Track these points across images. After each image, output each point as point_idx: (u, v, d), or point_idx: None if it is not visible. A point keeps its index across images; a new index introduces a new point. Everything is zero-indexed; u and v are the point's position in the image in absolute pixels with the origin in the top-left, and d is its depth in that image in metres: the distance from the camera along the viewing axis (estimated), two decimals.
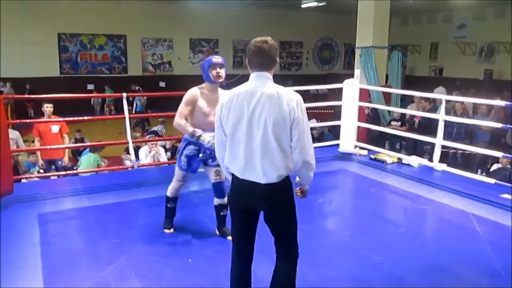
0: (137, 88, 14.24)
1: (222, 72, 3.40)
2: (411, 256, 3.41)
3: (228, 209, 2.49)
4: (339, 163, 5.99)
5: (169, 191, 3.70)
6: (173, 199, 3.72)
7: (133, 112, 12.57)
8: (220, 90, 3.53)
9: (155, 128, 9.07)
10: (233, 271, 2.47)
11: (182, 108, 3.42)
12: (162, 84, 16.01)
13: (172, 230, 3.74)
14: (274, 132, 2.20)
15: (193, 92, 3.44)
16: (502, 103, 5.23)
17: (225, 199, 3.51)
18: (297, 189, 2.50)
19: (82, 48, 15.66)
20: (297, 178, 2.44)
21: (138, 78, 15.84)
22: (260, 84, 2.26)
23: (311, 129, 7.97)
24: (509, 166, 6.41)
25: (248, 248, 2.43)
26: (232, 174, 2.38)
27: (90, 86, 14.97)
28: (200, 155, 3.50)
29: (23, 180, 5.74)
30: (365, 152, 6.22)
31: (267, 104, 2.20)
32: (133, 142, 5.64)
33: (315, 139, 8.02)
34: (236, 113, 2.26)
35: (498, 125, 5.68)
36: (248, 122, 2.23)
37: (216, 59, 3.43)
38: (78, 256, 3.34)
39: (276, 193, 2.29)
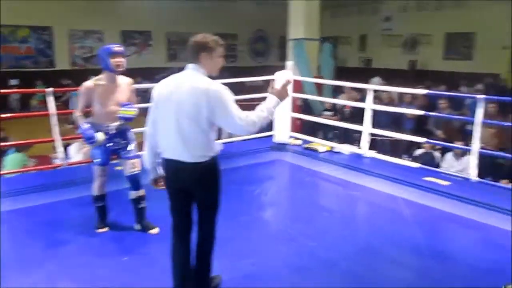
0: (69, 82, 13.50)
1: (123, 61, 3.41)
2: (345, 240, 3.56)
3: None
4: (274, 154, 6.09)
5: (94, 189, 3.62)
6: (100, 197, 3.63)
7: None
8: (120, 77, 3.53)
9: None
10: (173, 246, 2.62)
11: (79, 101, 3.48)
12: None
13: (105, 229, 3.64)
14: (198, 118, 2.38)
15: (87, 84, 3.43)
16: (424, 91, 5.57)
17: (142, 190, 3.61)
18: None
19: (3, 40, 14.62)
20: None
21: (67, 72, 15.08)
22: (190, 74, 2.47)
23: None
24: (431, 150, 6.85)
25: (186, 223, 2.61)
26: (163, 158, 2.56)
27: (14, 81, 14.01)
28: (107, 145, 3.51)
29: None
30: (299, 142, 6.37)
31: (192, 93, 2.38)
32: (62, 139, 5.38)
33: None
34: (165, 99, 2.46)
35: (421, 112, 6.05)
36: (175, 108, 2.41)
37: (117, 47, 3.42)
38: (4, 262, 3.14)
39: (201, 172, 2.49)
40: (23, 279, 2.91)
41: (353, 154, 5.83)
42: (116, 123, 3.51)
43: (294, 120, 6.63)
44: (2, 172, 5.82)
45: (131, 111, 3.49)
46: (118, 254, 3.27)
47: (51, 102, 5.16)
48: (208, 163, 2.49)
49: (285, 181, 5.52)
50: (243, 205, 4.24)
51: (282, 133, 6.34)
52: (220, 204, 2.63)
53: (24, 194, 4.40)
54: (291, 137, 6.43)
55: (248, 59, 20.38)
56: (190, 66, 2.50)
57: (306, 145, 6.16)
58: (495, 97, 6.40)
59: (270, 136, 6.50)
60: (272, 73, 6.41)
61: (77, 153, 6.61)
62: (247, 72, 8.20)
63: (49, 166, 5.93)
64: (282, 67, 7.00)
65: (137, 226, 3.66)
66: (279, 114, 6.31)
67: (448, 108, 7.29)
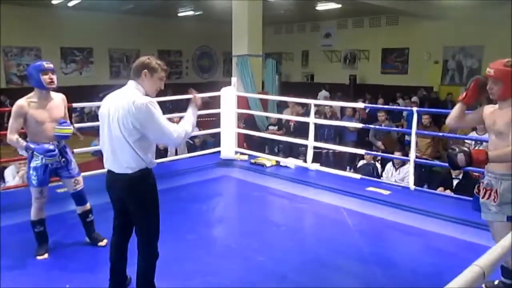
0: (7, 101, 12.75)
1: (54, 78, 3.39)
2: (292, 252, 3.62)
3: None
4: (221, 170, 6.09)
5: (33, 214, 3.47)
6: (39, 222, 3.48)
7: None
8: (52, 93, 3.49)
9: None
10: (111, 240, 2.83)
11: (12, 123, 3.30)
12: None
13: (46, 255, 3.46)
14: (126, 131, 2.50)
15: (20, 103, 3.31)
16: (362, 105, 5.82)
17: (87, 205, 3.63)
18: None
19: None
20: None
21: (2, 91, 14.32)
22: (127, 90, 2.62)
23: (194, 137, 7.95)
24: (372, 161, 7.13)
25: (121, 234, 2.79)
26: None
27: None
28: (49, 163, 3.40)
29: None
30: (245, 157, 6.42)
31: (121, 108, 2.50)
32: None
33: (197, 148, 8.06)
34: (104, 112, 2.61)
35: (359, 125, 6.31)
36: (109, 121, 2.55)
37: (48, 64, 3.38)
38: None
39: (131, 184, 2.58)
40: None
41: (298, 167, 5.95)
42: (55, 142, 3.41)
43: (240, 135, 6.69)
44: None
45: (67, 129, 3.43)
46: (61, 281, 3.11)
47: None
48: (137, 175, 2.57)
49: (233, 197, 5.53)
50: (190, 223, 4.21)
51: (229, 149, 6.37)
52: (158, 222, 2.66)
53: None
54: (237, 152, 6.47)
55: (194, 75, 20.34)
56: (129, 83, 2.64)
57: (253, 160, 6.22)
58: (430, 109, 6.80)
59: (217, 152, 6.50)
60: (218, 89, 6.46)
61: (13, 176, 6.28)
62: (193, 88, 8.15)
63: None
64: (228, 83, 7.06)
65: (87, 240, 3.63)
66: (225, 130, 6.35)
67: (387, 120, 7.64)
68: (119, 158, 2.56)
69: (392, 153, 6.34)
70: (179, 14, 15.76)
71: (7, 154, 7.25)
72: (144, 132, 2.50)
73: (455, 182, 5.68)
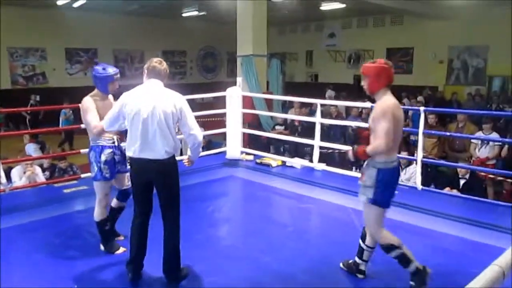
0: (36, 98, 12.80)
1: (117, 84, 3.56)
2: (299, 253, 3.60)
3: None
4: (227, 170, 6.09)
5: (98, 214, 3.46)
6: (106, 220, 3.50)
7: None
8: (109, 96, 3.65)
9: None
10: (133, 224, 3.08)
11: (91, 115, 3.38)
12: (37, 97, 14.69)
13: (121, 249, 3.51)
14: (166, 121, 2.88)
15: (89, 99, 3.45)
16: (369, 105, 5.79)
17: (125, 204, 3.68)
18: (185, 158, 3.22)
19: None
20: (188, 152, 3.16)
21: (8, 92, 14.41)
22: (154, 87, 2.98)
23: None
24: None
25: (147, 209, 3.08)
26: (129, 157, 2.99)
27: None
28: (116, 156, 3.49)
29: None
30: (251, 157, 6.42)
31: (160, 100, 2.89)
32: (3, 163, 5.12)
33: (203, 148, 8.05)
34: (134, 106, 2.89)
35: (366, 124, 6.26)
36: (144, 113, 2.86)
37: (117, 74, 3.51)
38: None
39: (166, 167, 2.96)
40: None
41: (304, 167, 5.94)
42: (117, 136, 3.53)
43: (246, 135, 6.68)
44: None
45: None
46: (68, 282, 3.12)
47: None
48: (170, 160, 2.98)
49: (239, 197, 5.53)
50: (197, 223, 4.20)
51: (234, 149, 6.37)
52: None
53: None
54: (243, 152, 6.47)
55: (198, 75, 20.39)
56: (155, 82, 2.99)
57: (259, 160, 6.22)
58: (436, 109, 6.77)
59: (223, 152, 6.50)
60: (222, 89, 6.46)
61: (20, 177, 6.30)
62: (196, 88, 8.20)
63: None
64: (232, 83, 7.07)
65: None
66: (231, 130, 6.35)
67: None
68: (157, 146, 2.89)
69: (399, 153, 6.30)
70: (183, 15, 15.80)
71: (13, 155, 7.29)
72: (183, 121, 2.95)
73: (462, 182, 5.66)
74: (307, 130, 7.95)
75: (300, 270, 3.33)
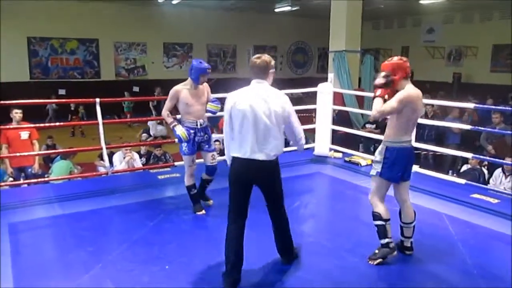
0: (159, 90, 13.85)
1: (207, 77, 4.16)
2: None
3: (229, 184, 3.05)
4: (314, 166, 6.04)
5: (187, 180, 4.18)
6: (193, 186, 4.20)
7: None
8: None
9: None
10: (230, 230, 2.99)
11: (167, 102, 4.11)
12: (135, 89, 15.81)
13: (203, 211, 4.20)
14: (276, 121, 2.93)
15: (176, 88, 4.08)
16: (472, 105, 5.39)
17: (212, 178, 4.31)
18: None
19: (53, 52, 15.28)
20: (296, 148, 3.40)
21: (111, 83, 15.61)
22: (259, 87, 2.98)
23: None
24: (478, 166, 6.59)
25: (245, 212, 3.03)
26: (235, 157, 2.99)
27: (62, 91, 14.61)
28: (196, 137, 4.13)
29: None
30: (339, 155, 6.29)
31: (268, 101, 2.91)
32: (107, 148, 5.55)
33: (288, 143, 8.05)
34: (242, 108, 2.91)
35: (468, 127, 5.84)
36: (253, 115, 2.88)
37: (209, 69, 4.09)
38: (50, 265, 3.26)
39: (273, 167, 3.04)
40: (68, 282, 2.99)
41: None
42: (201, 120, 4.13)
43: (335, 132, 6.56)
44: (50, 178, 6.06)
45: (217, 106, 4.20)
46: (161, 262, 3.30)
47: (98, 112, 5.32)
48: (276, 160, 3.06)
49: (325, 194, 5.45)
50: None
51: (323, 145, 6.29)
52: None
53: (71, 200, 4.56)
54: (331, 149, 6.36)
55: (288, 70, 20.41)
56: (261, 82, 3.00)
57: (348, 158, 6.07)
58: None
59: (311, 148, 6.45)
60: (312, 85, 6.40)
61: (120, 161, 6.80)
62: (286, 84, 8.21)
63: (95, 173, 6.13)
64: (322, 79, 6.97)
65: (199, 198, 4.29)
66: (320, 127, 6.27)
67: (502, 123, 6.99)
68: (269, 146, 2.93)
69: (503, 159, 5.79)
70: (276, 10, 15.87)
71: (129, 137, 7.86)
72: (290, 121, 3.02)
73: None
74: None
75: (388, 272, 3.21)
